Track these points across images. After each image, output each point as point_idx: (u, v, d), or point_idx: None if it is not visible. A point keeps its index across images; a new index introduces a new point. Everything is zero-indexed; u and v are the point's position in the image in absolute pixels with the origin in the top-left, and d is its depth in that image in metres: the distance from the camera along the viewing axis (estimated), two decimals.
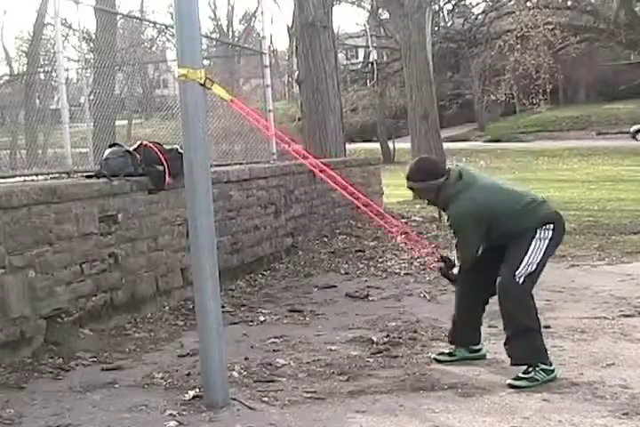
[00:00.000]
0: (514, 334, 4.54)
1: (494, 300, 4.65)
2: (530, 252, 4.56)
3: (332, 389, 4.44)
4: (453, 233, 4.82)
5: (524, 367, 4.46)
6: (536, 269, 4.57)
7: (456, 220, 4.66)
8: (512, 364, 4.56)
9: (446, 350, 5.00)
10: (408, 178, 4.74)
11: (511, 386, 4.36)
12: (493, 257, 4.65)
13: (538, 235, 4.59)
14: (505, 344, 4.62)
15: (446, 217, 4.83)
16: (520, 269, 4.52)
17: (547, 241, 4.59)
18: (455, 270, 4.88)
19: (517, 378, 4.41)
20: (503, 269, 4.57)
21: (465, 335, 4.94)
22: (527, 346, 4.50)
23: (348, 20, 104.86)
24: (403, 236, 5.83)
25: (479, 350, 4.98)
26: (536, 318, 4.57)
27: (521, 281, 4.51)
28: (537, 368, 4.42)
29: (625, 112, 43.28)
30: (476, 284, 4.77)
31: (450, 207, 4.66)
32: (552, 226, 4.63)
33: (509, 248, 4.62)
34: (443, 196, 4.68)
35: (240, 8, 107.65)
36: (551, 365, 4.49)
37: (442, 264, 4.95)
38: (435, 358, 4.95)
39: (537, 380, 4.38)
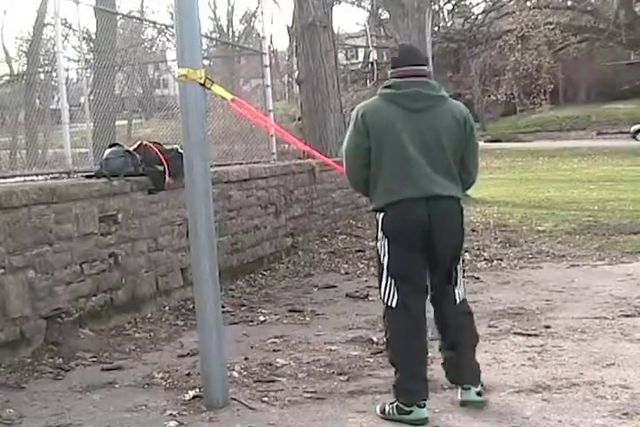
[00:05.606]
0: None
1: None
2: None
3: (332, 389, 4.44)
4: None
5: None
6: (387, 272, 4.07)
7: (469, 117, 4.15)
8: None
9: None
10: (416, 63, 4.09)
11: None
12: None
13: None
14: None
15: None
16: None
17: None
18: None
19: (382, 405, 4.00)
20: None
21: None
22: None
23: (348, 20, 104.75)
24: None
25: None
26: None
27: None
28: (393, 404, 3.93)
29: (625, 112, 43.27)
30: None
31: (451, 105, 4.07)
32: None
33: None
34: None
35: (240, 8, 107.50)
36: (410, 406, 3.85)
37: None
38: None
39: (387, 413, 3.92)
